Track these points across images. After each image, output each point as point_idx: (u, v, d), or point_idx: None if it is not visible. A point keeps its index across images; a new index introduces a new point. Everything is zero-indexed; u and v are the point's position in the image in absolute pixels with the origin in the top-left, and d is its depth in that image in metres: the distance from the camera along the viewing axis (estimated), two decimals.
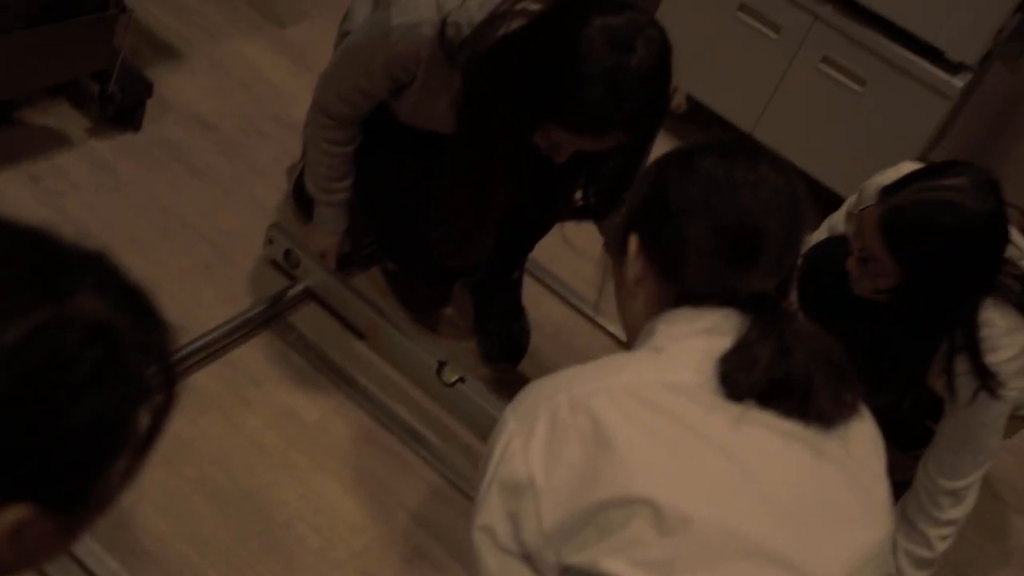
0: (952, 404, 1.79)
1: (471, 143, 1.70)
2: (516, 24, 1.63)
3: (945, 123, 2.69)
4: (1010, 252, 1.73)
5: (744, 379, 1.01)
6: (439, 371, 1.96)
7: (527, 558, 1.00)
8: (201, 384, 1.86)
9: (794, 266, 1.12)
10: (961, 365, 1.73)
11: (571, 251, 2.46)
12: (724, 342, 1.03)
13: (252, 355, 1.97)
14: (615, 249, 1.19)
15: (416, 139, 1.93)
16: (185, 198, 2.21)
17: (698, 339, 1.05)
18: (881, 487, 1.07)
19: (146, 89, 2.27)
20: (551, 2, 1.61)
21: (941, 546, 1.85)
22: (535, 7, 1.62)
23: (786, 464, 1.00)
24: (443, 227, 1.85)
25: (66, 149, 2.21)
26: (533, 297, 2.31)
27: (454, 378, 1.95)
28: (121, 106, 2.24)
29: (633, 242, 1.15)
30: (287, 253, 2.08)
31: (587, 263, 2.43)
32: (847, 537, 1.02)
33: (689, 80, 2.92)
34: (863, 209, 1.77)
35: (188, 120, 2.40)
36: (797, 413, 1.01)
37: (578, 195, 1.91)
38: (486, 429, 1.93)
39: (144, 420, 0.72)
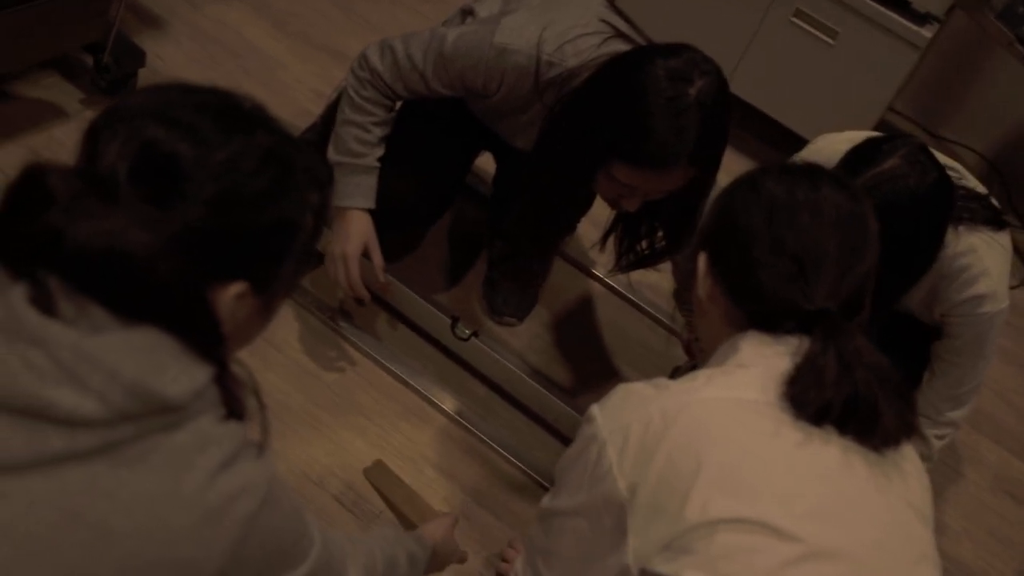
0: (952, 328, 1.89)
1: (544, 172, 1.75)
2: None
3: (912, 72, 2.78)
4: (953, 178, 1.80)
5: (814, 397, 1.03)
6: (453, 327, 2.01)
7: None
8: None
9: (865, 283, 1.13)
10: (954, 293, 1.82)
11: None
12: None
13: None
14: (686, 272, 1.22)
15: (452, 110, 1.93)
16: None
17: (782, 359, 1.07)
18: (930, 521, 1.10)
19: (139, 59, 2.27)
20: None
21: (938, 445, 1.98)
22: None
23: (864, 492, 1.03)
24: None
25: (62, 121, 2.21)
26: None
27: (468, 333, 2.01)
28: (115, 76, 2.24)
29: (702, 261, 1.19)
30: None
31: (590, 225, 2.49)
32: (924, 570, 1.05)
33: (661, 35, 2.97)
34: None
35: None
36: (867, 436, 1.04)
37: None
38: (502, 380, 2.02)
39: (309, 224, 0.93)
